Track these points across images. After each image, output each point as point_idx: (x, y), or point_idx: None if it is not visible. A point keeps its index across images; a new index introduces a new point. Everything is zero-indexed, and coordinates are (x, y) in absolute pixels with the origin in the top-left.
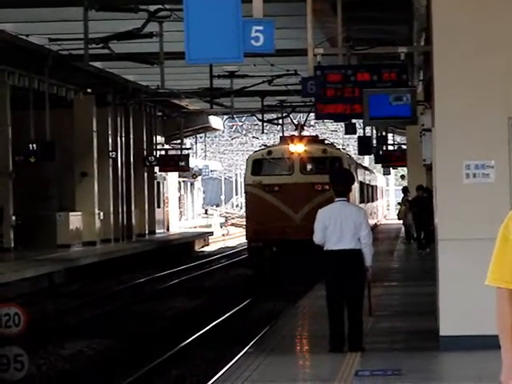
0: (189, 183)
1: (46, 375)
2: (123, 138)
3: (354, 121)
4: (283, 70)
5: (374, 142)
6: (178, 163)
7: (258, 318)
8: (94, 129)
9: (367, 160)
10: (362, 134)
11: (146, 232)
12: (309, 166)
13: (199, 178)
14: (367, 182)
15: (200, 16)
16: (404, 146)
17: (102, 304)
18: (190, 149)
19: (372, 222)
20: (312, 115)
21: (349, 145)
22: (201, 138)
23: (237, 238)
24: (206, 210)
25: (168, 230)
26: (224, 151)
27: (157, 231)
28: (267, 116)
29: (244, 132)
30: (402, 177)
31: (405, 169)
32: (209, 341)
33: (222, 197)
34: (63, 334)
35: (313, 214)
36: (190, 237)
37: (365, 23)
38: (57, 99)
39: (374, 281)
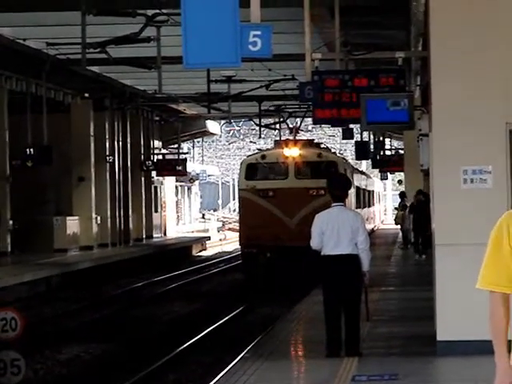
0: (186, 188)
1: (42, 380)
2: (120, 143)
3: (351, 126)
4: (281, 74)
5: (372, 146)
6: (175, 168)
7: (254, 322)
8: (92, 133)
9: (364, 165)
10: (359, 139)
11: (144, 236)
12: (304, 171)
13: (196, 182)
14: (364, 187)
15: (197, 20)
16: (401, 151)
17: (99, 308)
18: (187, 153)
19: (369, 227)
20: (308, 119)
21: (346, 150)
22: (198, 142)
23: (234, 242)
24: (204, 215)
25: (165, 234)
26: (221, 156)
27: (154, 236)
28: (265, 121)
29: (241, 137)
30: (400, 182)
31: (402, 174)
32: (206, 345)
33: (220, 201)
34: (60, 338)
35: (308, 220)
36: (187, 241)
37: (362, 28)
38: (54, 103)
39: (372, 286)
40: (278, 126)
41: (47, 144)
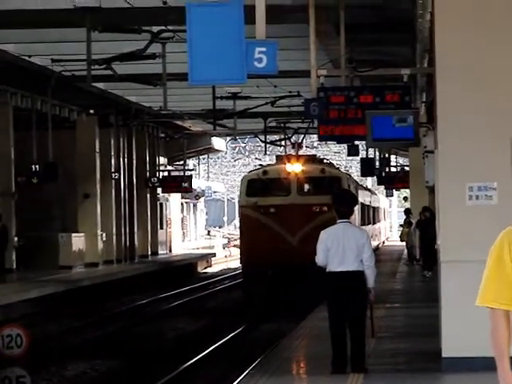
0: (191, 204)
1: None
2: (126, 159)
3: (356, 142)
4: (286, 91)
5: (377, 163)
6: (180, 184)
7: (260, 339)
8: (97, 150)
9: (370, 181)
10: (364, 156)
11: (149, 253)
12: (306, 187)
13: (202, 199)
14: (368, 203)
15: (203, 37)
16: (407, 168)
17: (104, 325)
18: (192, 170)
19: (374, 243)
20: (313, 136)
21: (352, 166)
22: (203, 159)
23: (239, 259)
24: (209, 232)
25: (171, 251)
26: (227, 172)
27: (159, 252)
28: (270, 137)
29: (247, 153)
30: (405, 199)
31: (408, 190)
32: (211, 362)
33: (225, 218)
34: (65, 355)
35: (311, 237)
36: (192, 258)
37: (368, 45)
38: (59, 120)
39: (377, 302)
40: (283, 142)
41: (52, 161)
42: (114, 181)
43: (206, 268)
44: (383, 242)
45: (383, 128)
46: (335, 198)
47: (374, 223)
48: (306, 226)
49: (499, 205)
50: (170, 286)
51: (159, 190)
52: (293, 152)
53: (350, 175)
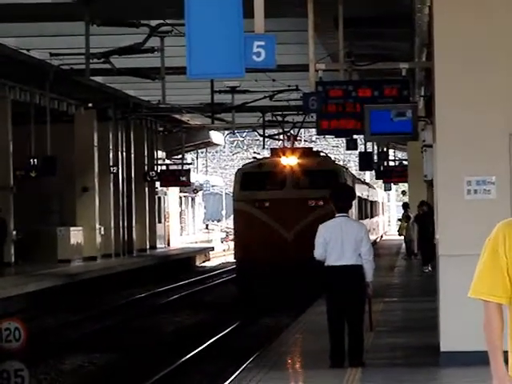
0: (190, 198)
1: None
2: (124, 153)
3: (355, 136)
4: (284, 85)
5: (375, 157)
6: (179, 178)
7: (258, 333)
8: (95, 143)
9: (368, 175)
10: (363, 150)
11: (147, 247)
12: (302, 180)
13: (200, 193)
14: (366, 197)
15: (201, 31)
16: (405, 162)
17: (102, 319)
18: (191, 164)
19: (372, 237)
20: (312, 130)
21: (350, 160)
22: (202, 153)
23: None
24: (207, 225)
25: (169, 244)
26: (225, 166)
27: (158, 246)
28: (268, 131)
29: (245, 147)
30: (403, 193)
31: (406, 184)
32: (209, 356)
33: (223, 212)
34: (64, 348)
35: (306, 232)
36: (190, 252)
37: (366, 39)
38: (58, 114)
39: (375, 296)
40: (281, 136)
41: (51, 154)
42: (112, 175)
43: (204, 262)
44: (381, 236)
45: (381, 122)
46: (333, 192)
47: (371, 217)
48: (301, 221)
49: (497, 199)
50: (168, 280)
51: (157, 184)
52: (288, 144)
53: (346, 168)
